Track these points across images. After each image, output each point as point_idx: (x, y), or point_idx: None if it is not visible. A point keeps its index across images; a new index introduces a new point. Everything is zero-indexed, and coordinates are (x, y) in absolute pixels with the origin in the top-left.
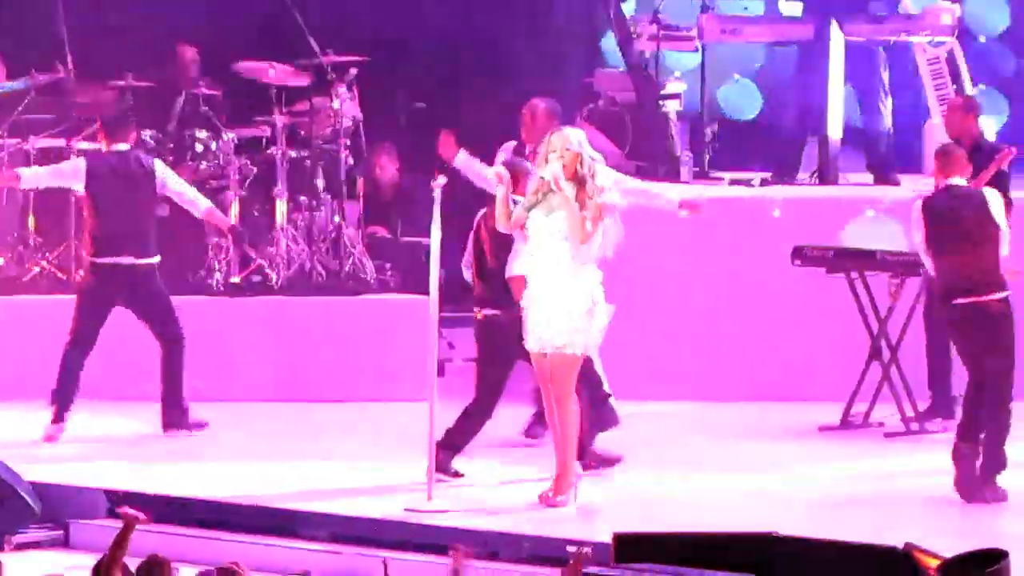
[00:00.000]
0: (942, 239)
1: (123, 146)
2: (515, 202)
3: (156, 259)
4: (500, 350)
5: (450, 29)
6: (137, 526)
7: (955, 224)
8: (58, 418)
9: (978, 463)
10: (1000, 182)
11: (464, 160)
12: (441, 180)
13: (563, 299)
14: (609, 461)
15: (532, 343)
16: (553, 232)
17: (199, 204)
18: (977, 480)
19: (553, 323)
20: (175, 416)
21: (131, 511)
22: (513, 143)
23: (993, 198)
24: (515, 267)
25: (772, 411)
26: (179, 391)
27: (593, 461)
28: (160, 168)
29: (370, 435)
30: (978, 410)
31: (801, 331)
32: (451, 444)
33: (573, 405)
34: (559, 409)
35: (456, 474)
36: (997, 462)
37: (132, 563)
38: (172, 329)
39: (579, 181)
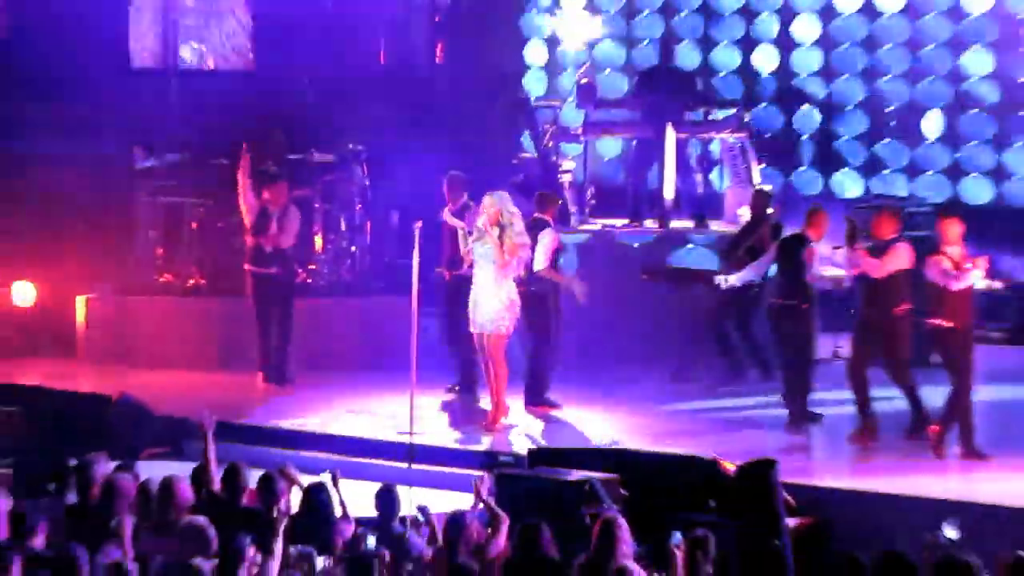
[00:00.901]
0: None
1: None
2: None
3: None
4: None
5: (444, 122)
6: (216, 440)
7: (781, 252)
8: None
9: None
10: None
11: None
12: (418, 224)
13: (492, 300)
14: (556, 405)
15: (474, 328)
16: (481, 257)
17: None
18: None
19: (486, 315)
20: (276, 373)
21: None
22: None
23: (806, 241)
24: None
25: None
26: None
27: (546, 404)
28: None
29: (370, 395)
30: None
31: (645, 323)
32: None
33: (503, 367)
34: (494, 369)
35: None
36: (796, 406)
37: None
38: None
39: (501, 227)
